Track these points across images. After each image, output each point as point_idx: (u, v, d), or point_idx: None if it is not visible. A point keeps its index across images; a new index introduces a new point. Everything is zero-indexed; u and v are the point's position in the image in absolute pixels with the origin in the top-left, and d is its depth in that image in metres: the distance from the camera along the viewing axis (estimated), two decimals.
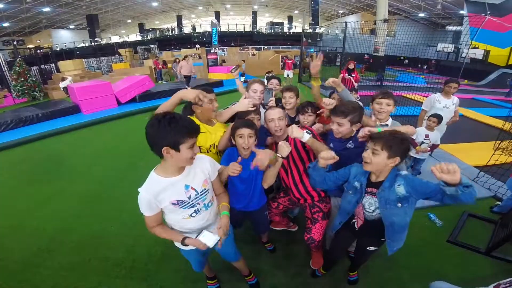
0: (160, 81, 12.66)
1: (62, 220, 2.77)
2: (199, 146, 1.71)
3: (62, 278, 2.08)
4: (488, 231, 2.61)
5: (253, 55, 17.75)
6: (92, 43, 24.39)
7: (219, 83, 9.98)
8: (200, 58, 12.94)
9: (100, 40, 25.58)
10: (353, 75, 6.02)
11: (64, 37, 25.89)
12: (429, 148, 3.02)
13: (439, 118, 2.98)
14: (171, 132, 1.03)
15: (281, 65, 14.24)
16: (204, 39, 23.54)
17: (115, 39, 27.73)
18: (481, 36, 13.15)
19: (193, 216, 1.29)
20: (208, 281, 1.97)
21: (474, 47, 13.40)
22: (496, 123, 5.75)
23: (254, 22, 29.30)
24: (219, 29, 22.89)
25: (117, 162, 4.07)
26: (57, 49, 22.50)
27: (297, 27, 30.05)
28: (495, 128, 5.47)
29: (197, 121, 1.66)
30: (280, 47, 23.44)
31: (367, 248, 1.63)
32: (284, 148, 1.53)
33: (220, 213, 1.41)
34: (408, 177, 1.32)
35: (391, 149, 1.25)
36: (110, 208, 2.97)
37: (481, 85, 13.34)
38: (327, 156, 1.36)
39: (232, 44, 24.90)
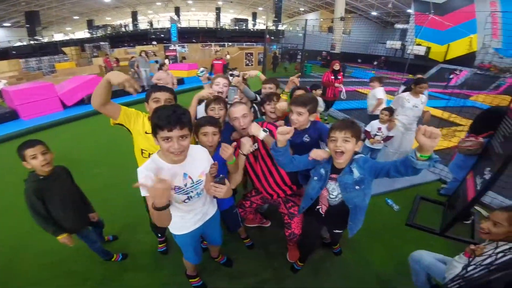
0: None
1: (17, 237, 2.45)
2: (143, 150, 1.61)
3: None
4: (440, 212, 2.88)
5: (217, 51, 17.46)
6: (32, 42, 21.68)
7: (179, 81, 9.58)
8: (155, 55, 12.22)
9: (41, 38, 22.76)
10: (339, 77, 5.11)
11: None
12: (382, 140, 3.24)
13: (390, 111, 3.19)
14: (151, 121, 1.11)
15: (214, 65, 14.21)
16: (162, 35, 22.50)
17: (59, 36, 25.12)
18: (424, 34, 14.50)
19: (185, 202, 1.33)
20: (191, 280, 1.94)
21: (418, 44, 14.73)
22: (436, 113, 6.32)
23: (218, 18, 28.75)
24: (179, 25, 22.06)
25: None
26: None
27: (261, 24, 30.17)
28: (435, 117, 6.00)
29: (147, 122, 1.57)
30: (244, 43, 23.35)
31: (334, 231, 1.84)
32: (245, 145, 1.55)
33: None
34: (360, 160, 1.43)
35: (357, 135, 1.37)
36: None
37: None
38: (283, 130, 1.37)
39: (194, 40, 24.16)
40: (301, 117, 1.69)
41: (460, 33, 13.94)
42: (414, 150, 1.13)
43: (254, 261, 2.20)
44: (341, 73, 5.17)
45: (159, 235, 2.21)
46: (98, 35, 24.62)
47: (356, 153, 1.45)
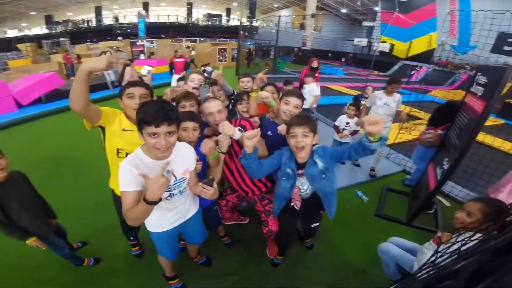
0: (73, 77, 10.73)
1: None
2: (119, 149, 1.51)
3: None
4: (406, 203, 2.99)
5: (188, 47, 16.97)
6: None
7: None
8: (119, 50, 11.64)
9: None
10: (316, 75, 4.90)
11: None
12: (349, 134, 3.37)
13: (357, 106, 3.36)
14: (137, 115, 1.08)
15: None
16: (129, 30, 21.69)
17: (12, 33, 23.34)
18: (388, 31, 15.23)
19: (167, 200, 1.32)
20: (170, 282, 1.87)
21: (383, 41, 15.44)
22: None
23: (190, 13, 27.82)
24: (148, 20, 21.11)
25: None
26: None
27: (235, 20, 29.77)
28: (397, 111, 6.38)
29: (124, 119, 1.50)
30: (217, 39, 22.93)
31: (312, 226, 1.85)
32: (223, 143, 1.51)
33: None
34: (319, 150, 1.51)
35: (314, 129, 1.44)
36: None
37: (387, 75, 15.47)
38: (250, 134, 1.36)
39: (163, 36, 23.27)
40: (297, 110, 1.73)
41: (421, 30, 14.81)
42: (365, 134, 1.26)
43: (234, 258, 2.18)
44: (318, 71, 5.06)
45: (131, 238, 2.10)
46: (58, 31, 23.26)
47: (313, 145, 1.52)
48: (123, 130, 1.48)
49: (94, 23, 24.96)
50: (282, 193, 1.62)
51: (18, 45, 16.72)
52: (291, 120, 1.49)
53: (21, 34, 23.12)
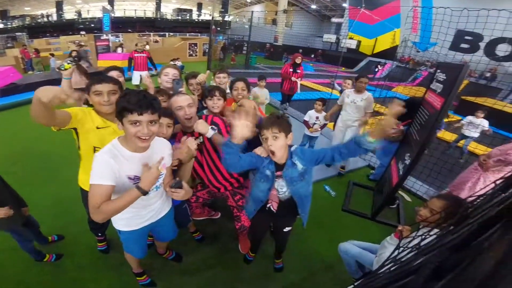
0: (31, 72, 10.42)
1: None
2: (96, 147, 1.46)
3: None
4: (371, 197, 3.04)
5: (156, 41, 16.19)
6: None
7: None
8: (80, 45, 10.99)
9: None
10: (298, 71, 4.81)
11: None
12: (320, 128, 3.40)
13: (323, 101, 3.38)
14: (118, 104, 1.05)
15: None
16: (92, 25, 20.72)
17: None
18: (355, 28, 15.66)
19: (144, 195, 1.21)
20: (138, 278, 1.82)
21: (350, 38, 15.87)
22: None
23: (158, 8, 26.63)
24: (113, 14, 19.93)
25: None
26: None
27: (207, 15, 29.01)
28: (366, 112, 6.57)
29: (96, 116, 1.45)
30: (188, 34, 22.21)
31: (284, 230, 1.77)
32: (191, 147, 1.44)
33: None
34: (298, 151, 1.43)
35: (286, 129, 1.36)
36: None
37: (354, 71, 16.04)
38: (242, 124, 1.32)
39: (129, 30, 22.14)
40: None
41: (386, 27, 15.35)
42: (366, 134, 1.23)
43: (205, 254, 2.14)
44: (301, 67, 4.90)
45: (99, 234, 2.04)
46: (14, 25, 22.00)
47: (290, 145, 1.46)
48: (97, 127, 1.44)
49: (54, 17, 23.62)
50: (259, 195, 1.57)
51: None
52: (261, 123, 1.41)
53: None
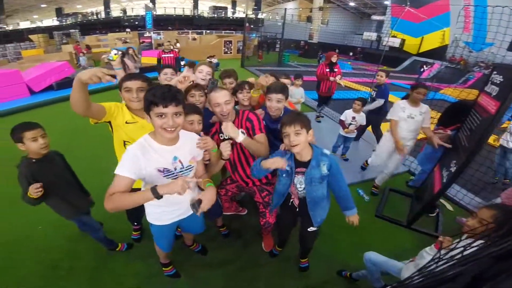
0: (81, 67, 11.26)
1: (14, 229, 2.32)
2: (125, 141, 1.57)
3: None
4: (408, 204, 2.89)
5: (194, 39, 16.85)
6: None
7: (155, 67, 9.22)
8: (125, 42, 11.84)
9: (5, 26, 21.63)
10: (335, 70, 4.51)
11: None
12: (355, 129, 3.32)
13: (363, 101, 3.28)
14: (145, 98, 1.12)
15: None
16: (136, 22, 22.01)
17: (25, 24, 24.00)
18: (399, 26, 14.77)
19: None
20: (164, 268, 1.90)
21: (393, 36, 15.00)
22: None
23: (196, 6, 27.63)
24: (155, 12, 21.12)
25: None
26: None
27: (240, 12, 29.40)
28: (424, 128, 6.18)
29: (126, 112, 1.54)
30: (223, 31, 22.73)
31: (308, 230, 1.76)
32: (226, 150, 1.52)
33: (205, 185, 1.34)
34: (332, 159, 1.49)
35: (307, 125, 1.40)
36: (33, 209, 2.41)
37: (397, 71, 15.20)
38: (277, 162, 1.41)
39: (170, 28, 23.23)
40: (280, 104, 1.80)
41: (434, 26, 14.30)
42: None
43: (230, 249, 2.18)
44: (338, 65, 4.57)
45: (135, 223, 2.16)
46: (68, 22, 24.00)
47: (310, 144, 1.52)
48: (126, 122, 1.52)
49: (103, 15, 25.46)
50: (280, 190, 1.64)
51: (31, 36, 17.10)
52: (282, 120, 1.45)
53: (33, 25, 23.82)
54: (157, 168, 1.19)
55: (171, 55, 6.17)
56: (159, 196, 1.07)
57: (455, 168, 2.10)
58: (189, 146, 1.31)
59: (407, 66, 15.67)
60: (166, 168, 1.22)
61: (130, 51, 8.12)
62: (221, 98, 1.63)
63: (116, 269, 1.95)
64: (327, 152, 1.50)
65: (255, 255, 2.16)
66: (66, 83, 7.00)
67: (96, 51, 12.36)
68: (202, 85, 1.97)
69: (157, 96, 1.06)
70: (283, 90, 1.79)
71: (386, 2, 19.39)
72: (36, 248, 2.11)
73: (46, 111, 5.48)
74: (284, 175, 1.56)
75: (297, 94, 3.95)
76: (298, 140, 1.39)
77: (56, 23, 24.57)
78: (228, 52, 15.23)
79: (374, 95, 3.87)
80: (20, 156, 1.58)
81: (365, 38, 18.37)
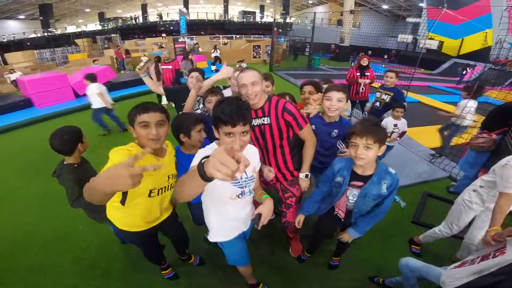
0: (123, 71, 11.95)
1: (22, 223, 2.54)
2: (151, 190, 1.31)
3: (33, 282, 1.94)
4: (447, 211, 2.82)
5: (225, 44, 17.39)
6: (45, 34, 22.06)
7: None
8: (161, 47, 12.44)
9: (54, 30, 23.27)
10: (367, 73, 4.43)
11: (13, 28, 22.90)
12: (398, 137, 3.18)
13: (403, 107, 3.11)
14: (213, 112, 1.09)
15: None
16: (171, 27, 22.58)
17: (71, 29, 25.53)
18: (436, 28, 14.10)
19: (239, 198, 1.29)
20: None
21: (430, 38, 14.31)
22: (448, 108, 6.24)
23: (226, 10, 28.47)
24: (188, 17, 22.05)
25: None
26: (4, 40, 20.25)
27: (269, 17, 29.78)
28: (447, 112, 5.89)
29: (147, 156, 1.24)
30: (252, 36, 23.16)
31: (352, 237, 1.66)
32: (269, 175, 1.58)
33: (261, 197, 1.31)
34: (395, 179, 1.35)
35: (381, 140, 1.25)
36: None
37: (435, 73, 14.56)
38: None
39: (202, 33, 24.09)
40: (341, 103, 1.65)
41: (474, 27, 13.53)
42: None
43: (257, 252, 2.14)
44: (371, 69, 4.44)
45: (162, 263, 1.91)
46: (109, 27, 24.99)
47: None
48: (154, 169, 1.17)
49: (140, 20, 26.38)
50: (328, 199, 1.60)
51: (76, 40, 18.21)
52: (353, 127, 1.30)
53: (78, 30, 25.12)
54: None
55: (170, 66, 5.29)
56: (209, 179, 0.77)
57: None
58: (249, 157, 1.13)
59: (446, 68, 14.85)
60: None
61: (190, 56, 7.33)
62: (247, 78, 1.45)
63: (147, 272, 1.99)
64: (392, 170, 1.36)
65: (282, 259, 2.15)
66: (107, 86, 6.98)
67: (135, 56, 12.96)
68: (219, 91, 1.97)
69: (225, 114, 1.01)
70: (344, 89, 1.66)
71: (421, 4, 18.55)
72: (74, 247, 2.23)
73: (90, 113, 5.67)
74: (336, 186, 1.47)
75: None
76: (366, 154, 1.25)
77: (99, 27, 25.67)
78: (257, 56, 15.51)
79: (387, 99, 3.55)
80: (58, 159, 1.64)
81: (400, 41, 17.71)
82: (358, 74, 4.47)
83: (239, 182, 1.25)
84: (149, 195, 1.32)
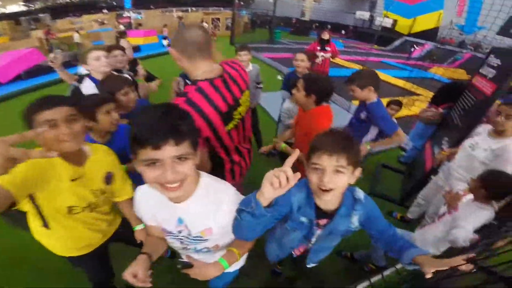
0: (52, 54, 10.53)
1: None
2: (70, 207, 0.99)
3: None
4: (399, 181, 2.95)
5: (180, 17, 16.02)
6: None
7: (136, 48, 8.76)
8: (102, 23, 11.15)
9: None
10: (328, 48, 4.34)
11: None
12: None
13: (399, 104, 2.75)
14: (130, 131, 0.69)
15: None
16: (115, 3, 20.56)
17: None
18: (394, 7, 14.68)
19: (180, 249, 0.99)
20: None
21: (385, 16, 14.91)
22: (398, 83, 6.62)
23: None
24: None
25: None
26: None
27: None
28: (397, 87, 6.28)
29: (63, 164, 0.95)
30: (210, 8, 21.67)
31: (307, 265, 1.31)
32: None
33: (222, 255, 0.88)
34: (367, 205, 0.97)
35: (356, 160, 0.84)
36: None
37: (387, 49, 15.30)
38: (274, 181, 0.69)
39: (151, 6, 21.92)
40: (354, 94, 1.82)
41: (428, 7, 14.37)
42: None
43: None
44: (333, 43, 4.31)
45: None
46: (37, 7, 22.68)
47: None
48: (72, 180, 0.97)
49: None
50: (289, 243, 1.15)
51: None
52: (317, 139, 0.86)
53: None
54: (158, 223, 0.89)
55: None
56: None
57: (447, 145, 2.16)
58: (206, 209, 0.81)
59: (398, 45, 15.79)
60: (167, 230, 0.88)
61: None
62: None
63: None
64: (360, 195, 0.97)
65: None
66: (36, 71, 6.45)
67: (65, 35, 11.57)
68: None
69: (143, 129, 0.61)
70: (350, 80, 1.87)
71: None
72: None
73: (16, 103, 4.86)
74: (295, 228, 1.05)
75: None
76: (336, 182, 0.82)
77: (23, 8, 23.06)
78: (216, 30, 14.64)
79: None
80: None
81: (358, 17, 18.11)
82: (318, 48, 4.43)
83: (177, 236, 0.89)
84: (69, 212, 1.00)
